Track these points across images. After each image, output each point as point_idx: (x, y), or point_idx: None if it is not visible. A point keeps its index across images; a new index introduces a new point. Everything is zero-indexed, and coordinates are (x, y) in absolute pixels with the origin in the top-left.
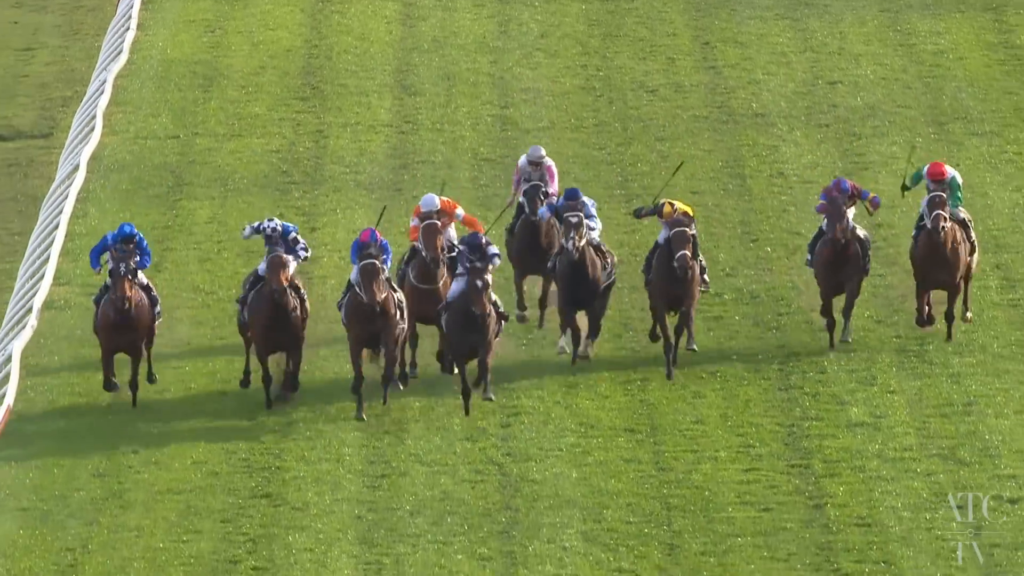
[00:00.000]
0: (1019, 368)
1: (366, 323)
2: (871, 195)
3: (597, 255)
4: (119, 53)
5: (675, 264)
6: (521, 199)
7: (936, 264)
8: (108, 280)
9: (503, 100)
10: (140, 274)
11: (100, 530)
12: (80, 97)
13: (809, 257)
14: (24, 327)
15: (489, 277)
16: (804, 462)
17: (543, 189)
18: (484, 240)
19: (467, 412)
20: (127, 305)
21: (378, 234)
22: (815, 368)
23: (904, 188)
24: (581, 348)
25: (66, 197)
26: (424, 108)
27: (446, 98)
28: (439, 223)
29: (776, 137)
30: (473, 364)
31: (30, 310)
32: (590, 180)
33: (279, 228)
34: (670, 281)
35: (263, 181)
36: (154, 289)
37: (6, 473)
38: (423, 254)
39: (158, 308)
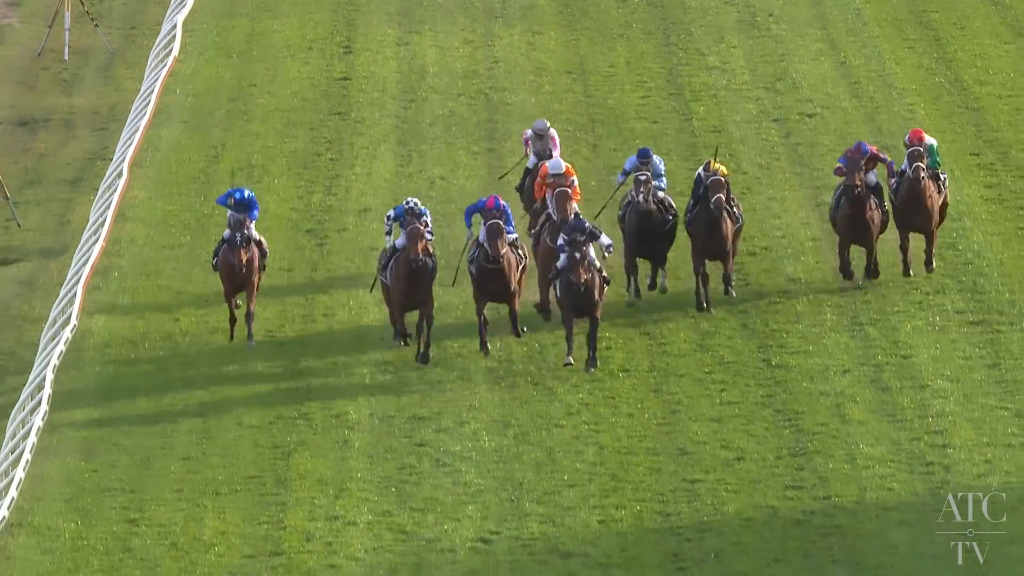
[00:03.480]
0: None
1: (489, 280)
2: (889, 159)
3: (661, 209)
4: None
5: (711, 206)
6: (531, 165)
7: (916, 211)
8: (227, 232)
9: None
10: (252, 229)
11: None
12: None
13: (833, 214)
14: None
15: (590, 250)
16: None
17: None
18: (588, 225)
19: (571, 357)
20: (242, 269)
21: (500, 200)
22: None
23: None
24: (661, 282)
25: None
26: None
27: None
28: (569, 190)
29: None
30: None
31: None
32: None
33: (419, 207)
34: (709, 227)
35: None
36: (264, 243)
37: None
38: (556, 218)
39: (265, 259)
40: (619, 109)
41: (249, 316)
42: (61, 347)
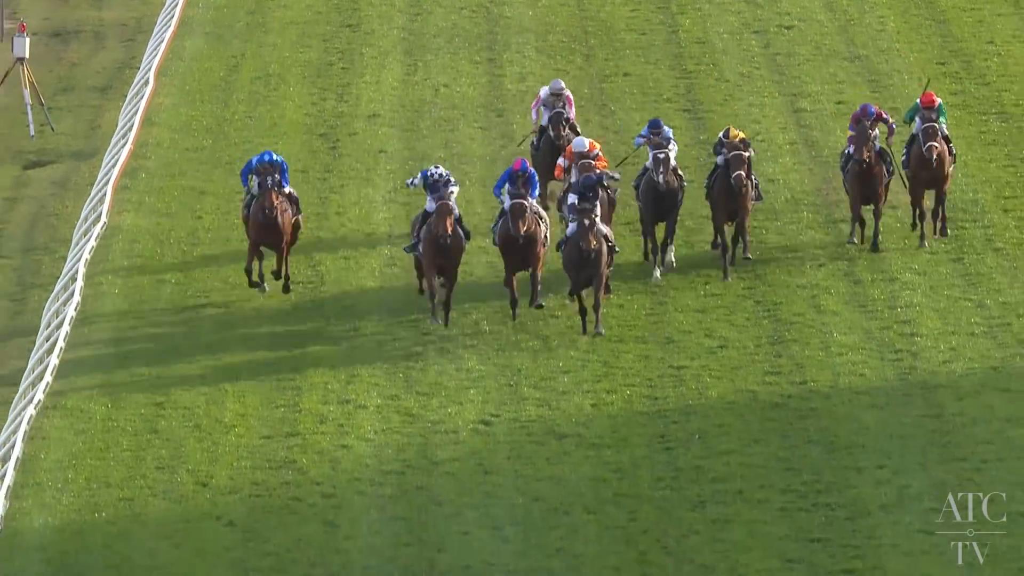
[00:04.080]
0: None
1: (515, 249)
2: (891, 121)
3: (674, 177)
4: None
5: (732, 182)
6: (545, 123)
7: (929, 175)
8: (255, 190)
9: None
10: (286, 187)
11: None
12: None
13: (843, 174)
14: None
15: (597, 217)
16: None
17: (565, 116)
18: (595, 177)
19: (585, 331)
20: (273, 212)
21: (528, 165)
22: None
23: (905, 122)
24: (667, 258)
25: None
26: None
27: None
28: (592, 162)
29: None
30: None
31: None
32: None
33: (444, 175)
34: (728, 196)
35: None
36: (296, 195)
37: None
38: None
39: (299, 214)
40: (610, 22)
41: (277, 271)
42: (92, 243)
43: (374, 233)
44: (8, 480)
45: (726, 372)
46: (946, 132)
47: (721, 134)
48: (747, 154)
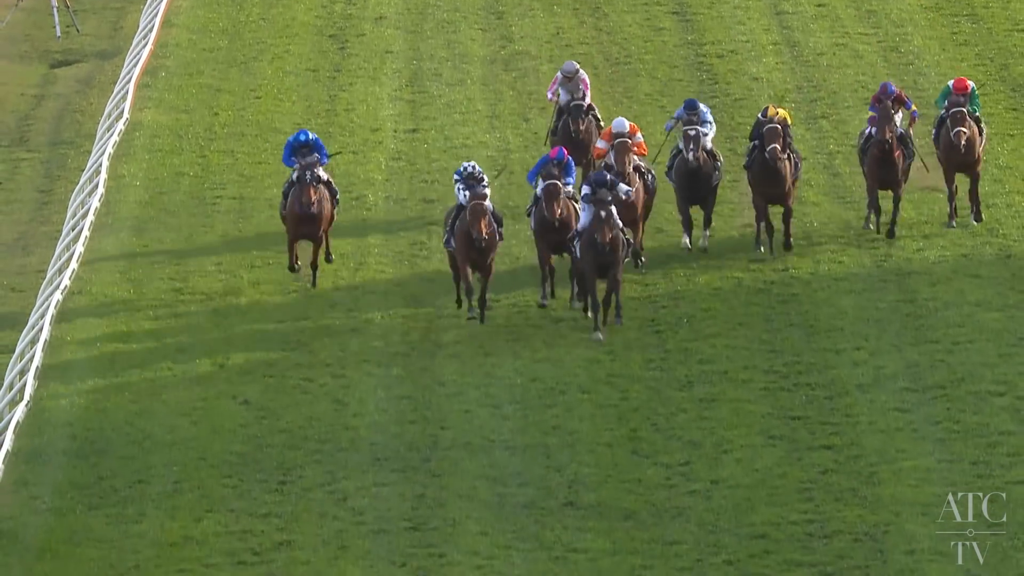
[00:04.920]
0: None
1: (550, 233)
2: (912, 107)
3: (709, 159)
4: None
5: (767, 155)
6: (563, 105)
7: (958, 158)
8: (295, 175)
9: None
10: (320, 170)
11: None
12: None
13: (861, 157)
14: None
15: (613, 208)
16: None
17: (585, 108)
18: (609, 177)
19: (596, 327)
20: (311, 208)
21: (566, 153)
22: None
23: (937, 107)
24: (702, 239)
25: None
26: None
27: None
28: (629, 141)
29: None
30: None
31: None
32: None
33: (477, 172)
34: (766, 175)
35: None
36: (333, 183)
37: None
38: (616, 170)
39: (337, 197)
40: None
41: (314, 266)
42: (115, 137)
43: (380, 128)
44: (37, 361)
45: (712, 260)
46: (977, 115)
47: (760, 114)
48: (783, 128)
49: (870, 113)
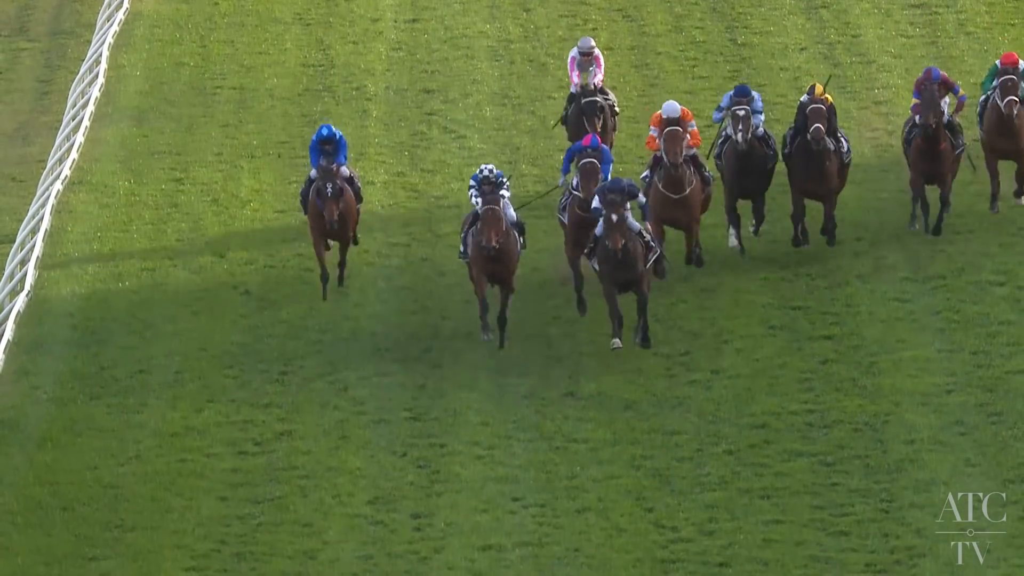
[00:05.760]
0: None
1: (585, 228)
2: (960, 91)
3: (761, 145)
4: None
5: (809, 137)
6: (575, 91)
7: (1007, 138)
8: (314, 175)
9: None
10: (343, 168)
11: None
12: None
13: (905, 146)
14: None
15: (628, 212)
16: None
17: (598, 104)
18: (626, 182)
19: (615, 333)
20: (335, 224)
21: (599, 140)
22: None
23: (984, 90)
24: (755, 229)
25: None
26: None
27: None
28: (681, 129)
29: None
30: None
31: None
32: None
33: (497, 176)
34: (807, 164)
35: None
36: (357, 179)
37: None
38: (666, 161)
39: (360, 195)
40: None
41: (342, 265)
42: (115, 27)
43: (380, 19)
44: (37, 251)
45: (705, 150)
46: None
47: (805, 95)
48: (827, 109)
49: (913, 100)
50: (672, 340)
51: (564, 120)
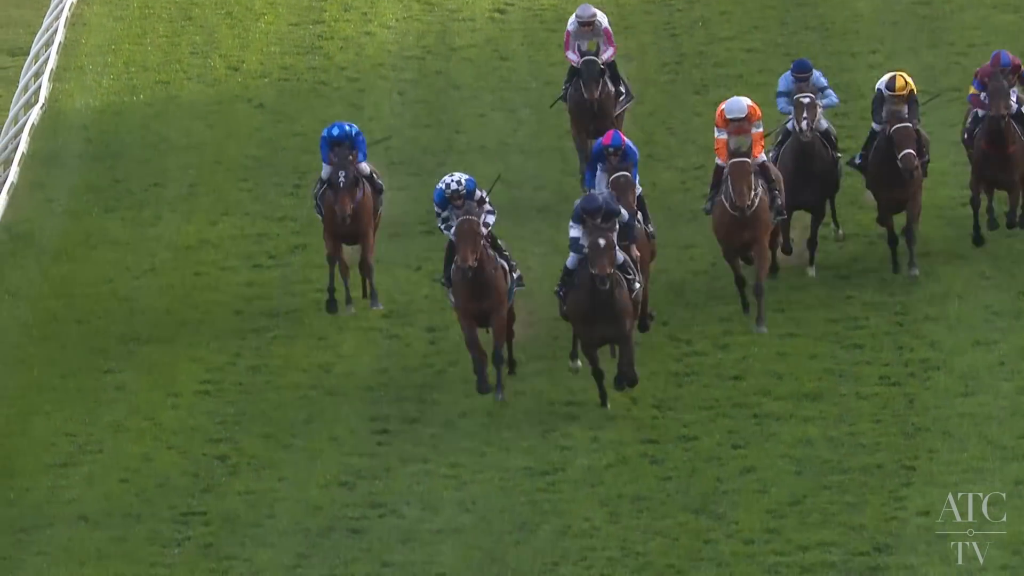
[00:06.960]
0: None
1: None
2: None
3: (822, 142)
4: None
5: (899, 164)
6: (576, 64)
7: None
8: (325, 174)
9: None
10: (363, 164)
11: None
12: None
13: (966, 136)
14: None
15: (614, 236)
16: None
17: (598, 67)
18: (602, 199)
19: (604, 402)
20: (347, 219)
21: (621, 137)
22: None
23: None
24: (814, 257)
25: None
26: None
27: None
28: (748, 162)
29: None
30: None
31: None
32: None
33: (466, 186)
34: (891, 180)
35: None
36: (377, 175)
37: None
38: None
39: (381, 194)
40: None
41: (368, 269)
42: None
43: None
44: (51, 64)
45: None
46: None
47: (882, 84)
48: (915, 126)
49: (972, 90)
50: (687, 153)
51: (563, 99)
